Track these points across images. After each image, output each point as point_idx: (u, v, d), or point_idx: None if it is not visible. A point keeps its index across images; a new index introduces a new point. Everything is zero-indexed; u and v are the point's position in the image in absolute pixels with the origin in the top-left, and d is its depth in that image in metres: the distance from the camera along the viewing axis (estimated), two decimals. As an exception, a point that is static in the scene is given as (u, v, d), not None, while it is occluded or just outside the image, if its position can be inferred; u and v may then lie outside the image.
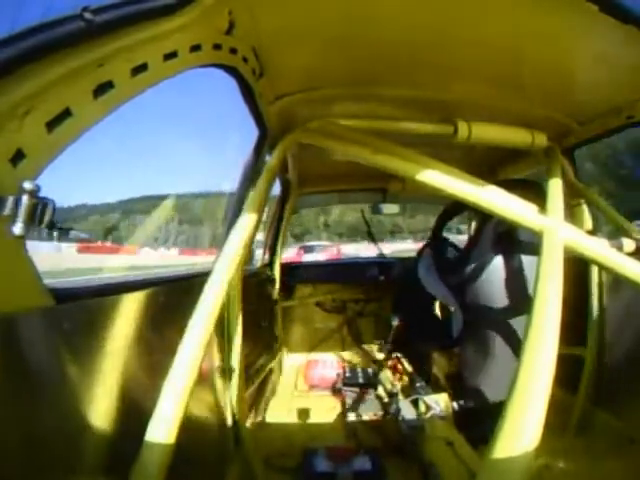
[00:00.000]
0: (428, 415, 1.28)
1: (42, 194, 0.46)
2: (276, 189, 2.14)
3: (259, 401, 1.61)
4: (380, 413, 1.54)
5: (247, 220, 0.97)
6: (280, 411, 1.74)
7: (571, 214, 1.44)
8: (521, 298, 1.22)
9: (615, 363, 1.25)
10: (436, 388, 1.35)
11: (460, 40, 0.90)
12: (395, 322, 1.92)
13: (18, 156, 0.43)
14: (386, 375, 1.84)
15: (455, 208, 1.49)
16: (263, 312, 2.08)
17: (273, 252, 2.31)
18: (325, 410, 1.73)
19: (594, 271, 1.33)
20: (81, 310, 0.54)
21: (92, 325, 0.56)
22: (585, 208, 1.44)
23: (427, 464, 1.11)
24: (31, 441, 0.44)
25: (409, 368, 1.65)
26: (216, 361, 1.12)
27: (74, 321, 0.51)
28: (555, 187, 1.14)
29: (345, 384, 1.85)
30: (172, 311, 0.79)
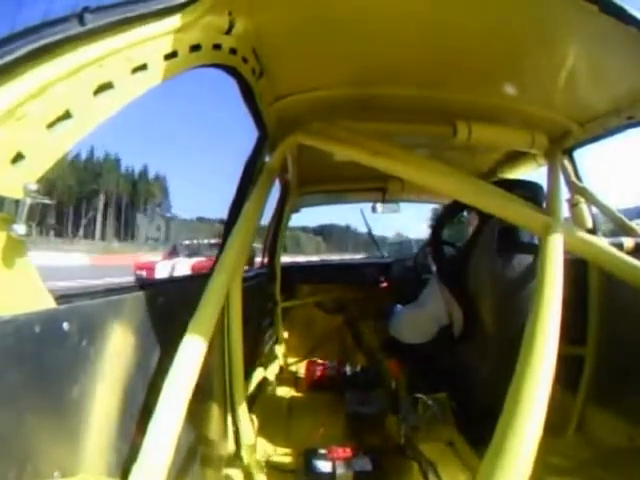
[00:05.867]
0: (428, 415, 1.28)
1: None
2: (276, 189, 2.14)
3: (259, 401, 1.61)
4: (380, 413, 1.54)
5: (247, 221, 0.97)
6: (280, 411, 1.74)
7: (571, 214, 1.44)
8: (521, 298, 1.22)
9: (615, 363, 1.25)
10: (436, 388, 1.35)
11: (459, 41, 0.90)
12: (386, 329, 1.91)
13: (19, 157, 0.43)
14: (386, 375, 1.84)
15: (455, 208, 1.49)
16: (263, 313, 2.08)
17: (273, 253, 2.31)
18: (325, 410, 1.73)
19: (594, 271, 1.33)
20: (81, 311, 0.54)
21: (92, 326, 0.55)
22: (585, 208, 1.44)
23: (427, 464, 1.11)
24: (31, 441, 0.44)
25: (409, 368, 1.65)
26: (216, 361, 1.12)
27: (74, 322, 0.51)
28: (555, 187, 1.14)
29: (345, 384, 1.85)
30: (173, 312, 0.79)
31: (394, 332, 1.61)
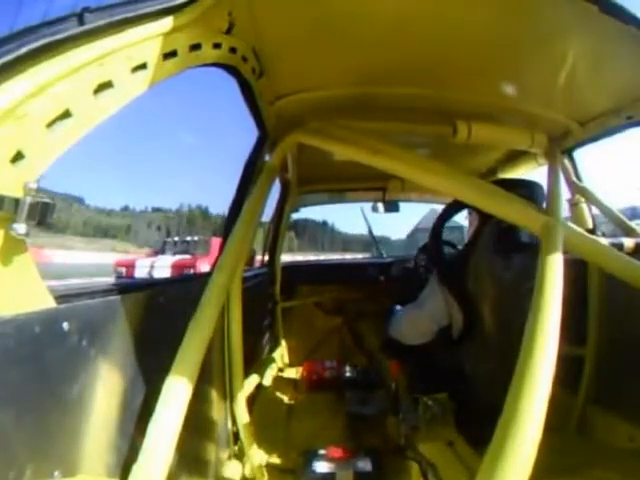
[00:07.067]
0: (428, 415, 1.28)
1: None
2: (276, 189, 2.14)
3: (259, 401, 1.61)
4: (380, 413, 1.54)
5: (247, 220, 0.97)
6: (280, 411, 1.74)
7: (571, 214, 1.44)
8: (521, 298, 1.22)
9: (615, 362, 1.25)
10: (436, 388, 1.35)
11: (459, 40, 0.90)
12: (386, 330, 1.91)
13: (18, 156, 0.43)
14: (386, 375, 1.84)
15: (455, 208, 1.49)
16: (263, 312, 2.08)
17: (273, 252, 2.31)
18: (325, 410, 1.73)
19: (594, 271, 1.33)
20: (81, 311, 0.54)
21: (92, 326, 0.55)
22: (585, 208, 1.44)
23: (427, 464, 1.11)
24: (31, 441, 0.44)
25: (409, 368, 1.65)
26: (216, 361, 1.12)
27: (74, 322, 0.51)
28: (555, 187, 1.14)
29: (345, 384, 1.85)
30: (173, 312, 0.79)
31: (393, 333, 1.60)
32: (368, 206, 2.71)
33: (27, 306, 0.44)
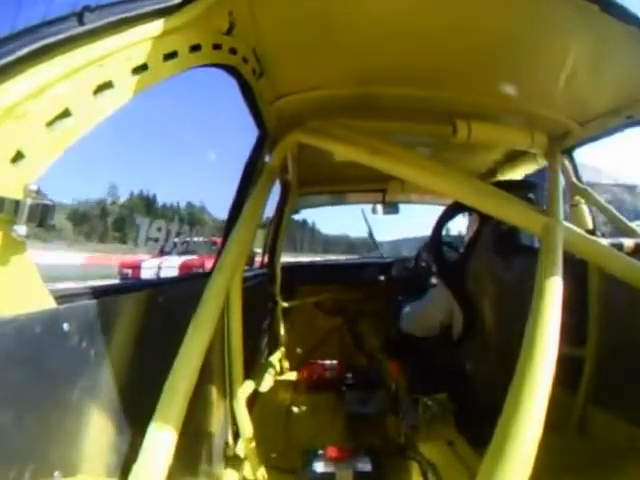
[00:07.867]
0: (428, 415, 1.28)
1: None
2: (276, 189, 2.13)
3: (259, 401, 1.61)
4: (380, 413, 1.54)
5: (247, 221, 0.97)
6: (280, 411, 1.74)
7: (571, 214, 1.44)
8: (521, 298, 1.22)
9: (615, 363, 1.25)
10: (436, 388, 1.35)
11: (459, 40, 0.90)
12: (395, 322, 1.91)
13: (18, 157, 0.43)
14: (386, 375, 1.84)
15: (455, 209, 1.49)
16: (263, 313, 2.08)
17: (273, 253, 2.31)
18: (325, 410, 1.73)
19: (594, 272, 1.33)
20: (81, 312, 0.54)
21: (92, 326, 0.55)
22: (585, 208, 1.44)
23: (427, 464, 1.11)
24: (32, 441, 0.44)
25: (409, 368, 1.65)
26: (216, 362, 1.12)
27: (74, 323, 0.51)
28: (555, 188, 1.14)
29: (345, 384, 1.85)
30: (173, 312, 0.79)
31: (405, 326, 1.61)
32: (367, 208, 2.73)
33: (27, 307, 0.44)
